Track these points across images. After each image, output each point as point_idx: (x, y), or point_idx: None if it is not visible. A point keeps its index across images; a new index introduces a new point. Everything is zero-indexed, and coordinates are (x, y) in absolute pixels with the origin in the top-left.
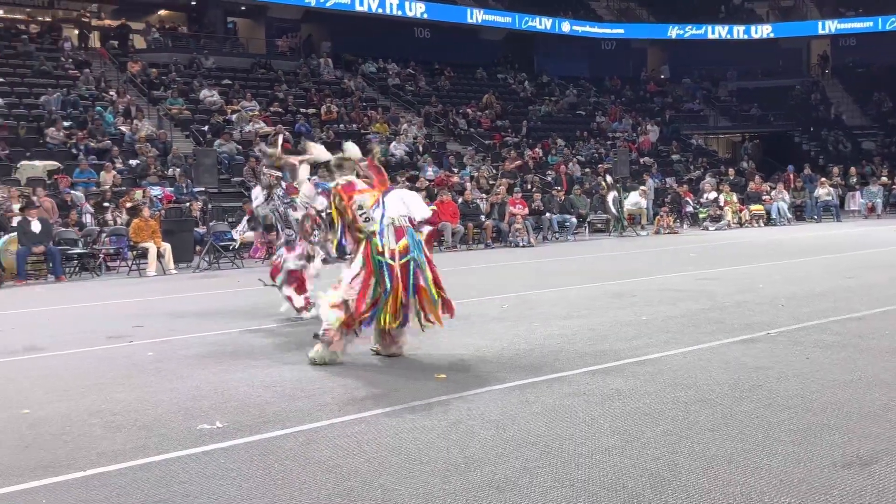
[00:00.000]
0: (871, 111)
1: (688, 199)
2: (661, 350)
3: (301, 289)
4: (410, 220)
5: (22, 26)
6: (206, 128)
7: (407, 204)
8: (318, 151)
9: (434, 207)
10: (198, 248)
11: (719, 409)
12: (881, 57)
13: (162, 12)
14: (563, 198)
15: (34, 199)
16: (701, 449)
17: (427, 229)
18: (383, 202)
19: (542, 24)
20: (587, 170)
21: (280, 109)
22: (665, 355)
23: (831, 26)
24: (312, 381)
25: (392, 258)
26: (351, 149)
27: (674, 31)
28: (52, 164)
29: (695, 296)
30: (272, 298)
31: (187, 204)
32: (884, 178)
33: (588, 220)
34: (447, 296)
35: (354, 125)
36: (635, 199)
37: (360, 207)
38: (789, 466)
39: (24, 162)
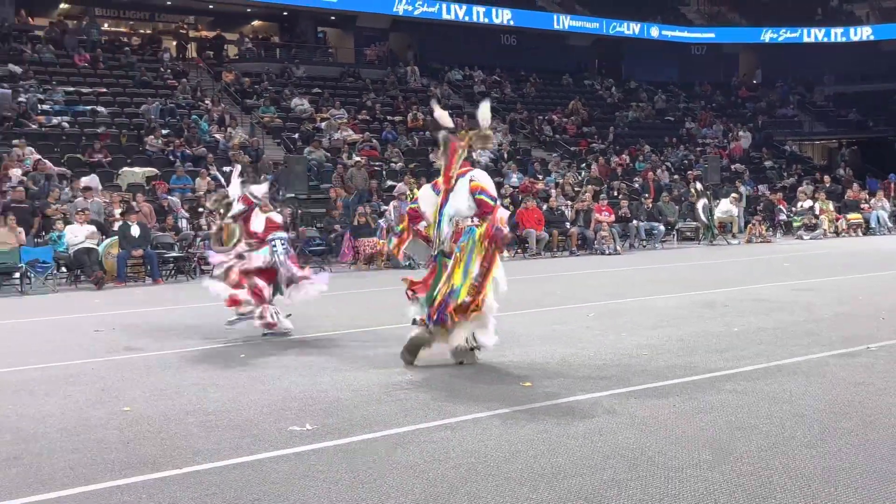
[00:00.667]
0: None
1: (781, 206)
2: (754, 363)
3: None
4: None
5: (125, 39)
6: (296, 135)
7: (459, 200)
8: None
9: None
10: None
11: (816, 425)
12: None
13: (255, 23)
14: (650, 205)
15: (134, 204)
16: (796, 466)
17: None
18: (448, 197)
19: (631, 29)
20: (676, 176)
21: (368, 117)
22: (757, 368)
23: None
24: (399, 385)
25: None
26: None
27: (767, 35)
28: (151, 170)
29: (789, 307)
30: (359, 302)
31: (276, 210)
32: None
33: (677, 227)
34: (471, 300)
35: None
36: (726, 207)
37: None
38: (890, 486)
39: (125, 168)
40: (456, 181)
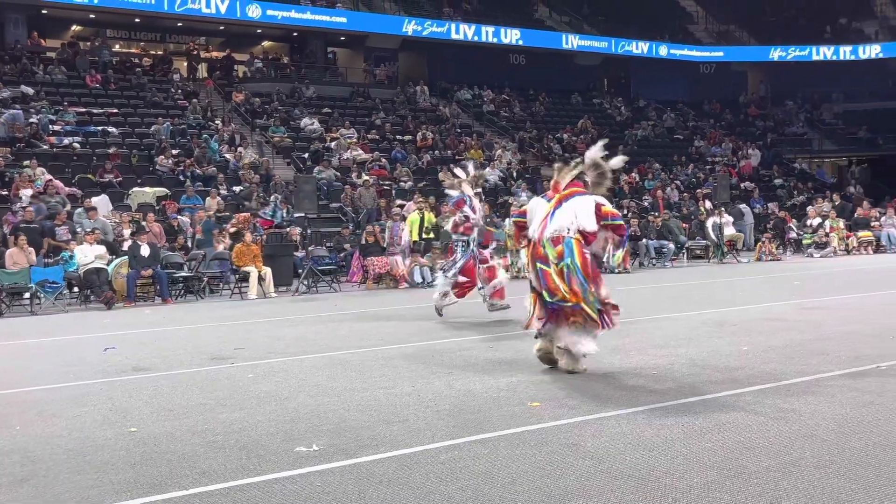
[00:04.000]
0: None
1: (791, 224)
2: (763, 382)
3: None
4: (583, 232)
5: (136, 59)
6: (306, 155)
7: (577, 215)
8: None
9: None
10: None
11: (825, 445)
12: None
13: (265, 43)
14: (659, 223)
15: (144, 224)
16: (805, 487)
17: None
18: (553, 214)
19: (639, 48)
20: (685, 195)
21: (377, 136)
22: (766, 387)
23: None
24: (406, 405)
25: (546, 263)
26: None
27: (776, 53)
28: (162, 190)
29: (798, 325)
30: (366, 322)
31: (287, 229)
32: None
33: (686, 246)
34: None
35: (449, 151)
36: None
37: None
38: None
39: (135, 189)
40: (567, 199)
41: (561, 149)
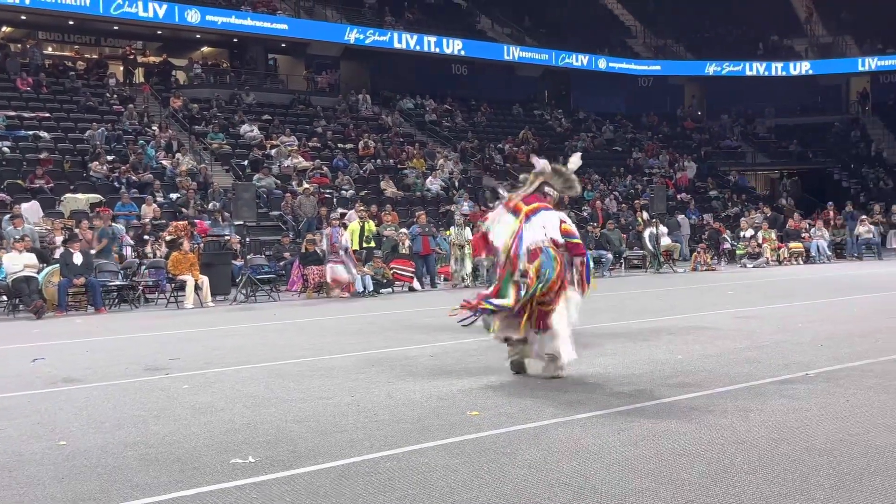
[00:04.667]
0: None
1: (725, 235)
2: (697, 390)
3: None
4: (554, 241)
5: (69, 63)
6: (245, 162)
7: (546, 228)
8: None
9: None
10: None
11: (756, 451)
12: None
13: (204, 49)
14: (598, 233)
15: (77, 231)
16: (736, 492)
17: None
18: (523, 230)
19: (579, 60)
20: (623, 205)
21: (318, 144)
22: (700, 395)
23: (871, 63)
24: (345, 415)
25: (526, 277)
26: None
27: (711, 68)
28: (95, 197)
29: (732, 334)
30: (307, 331)
31: (225, 237)
32: None
33: (624, 256)
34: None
35: (391, 160)
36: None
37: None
38: None
39: (67, 195)
40: (533, 215)
41: (502, 159)
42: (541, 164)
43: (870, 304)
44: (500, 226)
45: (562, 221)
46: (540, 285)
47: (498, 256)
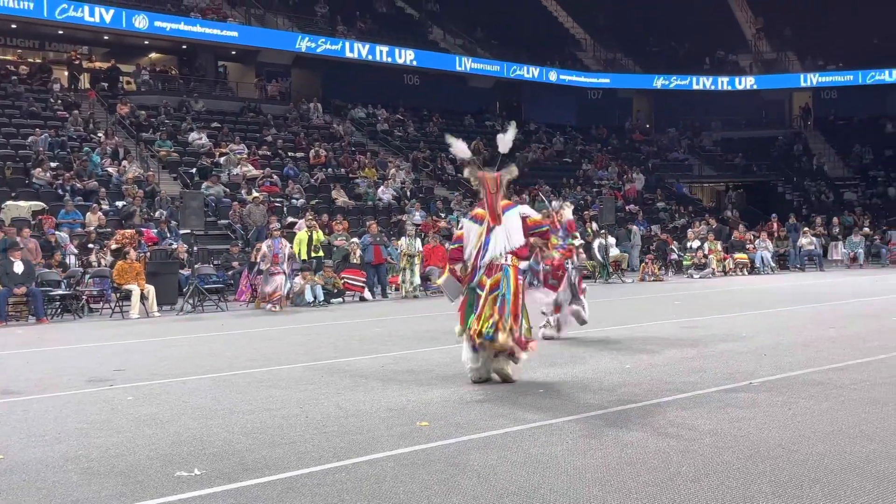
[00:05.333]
0: (852, 163)
1: (672, 246)
2: (644, 399)
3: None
4: (516, 253)
5: (12, 67)
6: (193, 170)
7: (509, 237)
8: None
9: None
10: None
11: (701, 459)
12: (861, 110)
13: (153, 55)
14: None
15: (18, 239)
16: (681, 500)
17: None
18: (487, 240)
19: (530, 72)
20: (573, 217)
21: (269, 153)
22: (647, 404)
23: (812, 79)
24: (293, 427)
25: (482, 288)
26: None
27: (659, 82)
28: (38, 204)
29: (678, 344)
30: (255, 342)
31: (172, 246)
32: (865, 229)
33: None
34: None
35: (343, 169)
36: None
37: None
38: None
39: (8, 202)
40: (497, 225)
41: (454, 169)
42: (459, 148)
43: (811, 314)
44: (472, 235)
45: (524, 217)
46: (492, 321)
47: (464, 265)
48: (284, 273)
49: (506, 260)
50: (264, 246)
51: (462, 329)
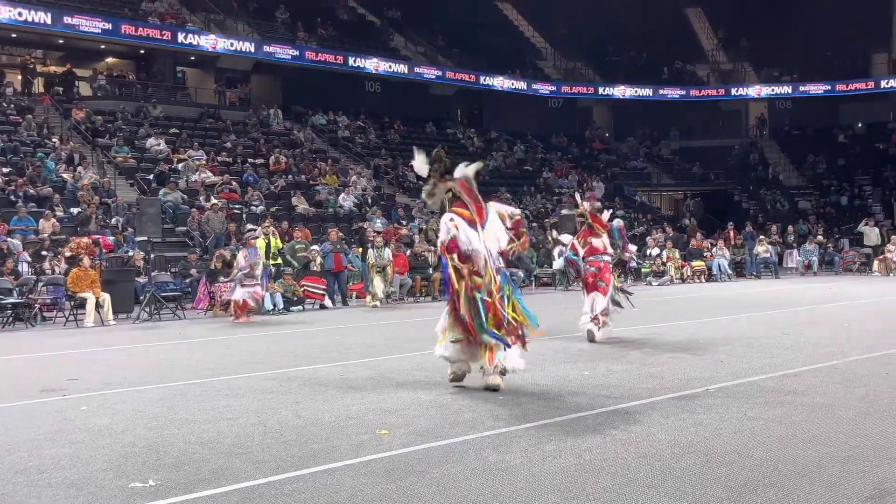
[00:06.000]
0: (806, 172)
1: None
2: (603, 405)
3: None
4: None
5: None
6: (151, 176)
7: (499, 239)
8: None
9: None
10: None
11: (658, 465)
12: (815, 120)
13: (110, 60)
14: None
15: None
16: None
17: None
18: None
19: (491, 81)
20: (534, 224)
21: (228, 159)
22: (606, 411)
23: (768, 90)
24: (251, 436)
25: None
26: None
27: (618, 91)
28: None
29: (636, 351)
30: (213, 351)
31: (129, 253)
32: (819, 237)
33: (535, 274)
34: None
35: (303, 176)
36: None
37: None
38: None
39: None
40: (485, 223)
41: (415, 177)
42: (417, 165)
43: (767, 321)
44: (470, 234)
45: (500, 215)
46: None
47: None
48: (260, 284)
49: (500, 262)
50: (241, 257)
51: (451, 329)
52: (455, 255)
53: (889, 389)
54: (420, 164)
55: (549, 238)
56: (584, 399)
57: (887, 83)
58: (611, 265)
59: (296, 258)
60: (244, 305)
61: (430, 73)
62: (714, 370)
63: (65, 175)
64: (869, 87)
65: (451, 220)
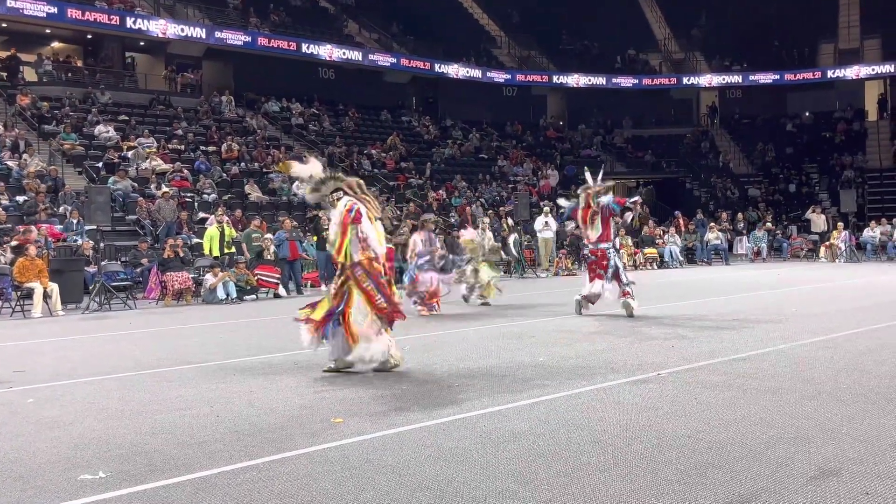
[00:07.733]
0: (756, 160)
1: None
2: (556, 391)
3: None
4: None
5: None
6: (100, 164)
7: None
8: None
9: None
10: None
11: (610, 449)
12: (764, 109)
13: (56, 44)
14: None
15: None
16: (591, 490)
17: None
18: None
19: (446, 68)
20: (490, 212)
21: (179, 147)
22: (559, 396)
23: (718, 79)
24: (203, 426)
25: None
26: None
27: (572, 80)
28: None
29: (590, 337)
30: (165, 341)
31: (77, 242)
32: (768, 224)
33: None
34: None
35: (256, 164)
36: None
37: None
38: None
39: None
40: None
41: (370, 165)
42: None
43: (717, 306)
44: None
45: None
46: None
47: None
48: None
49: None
50: (418, 240)
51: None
52: (360, 227)
53: (832, 372)
54: (315, 166)
55: (505, 226)
56: (538, 384)
57: (833, 73)
58: (609, 250)
59: (251, 247)
60: (436, 292)
61: (384, 60)
62: (665, 355)
63: (9, 163)
64: (816, 76)
65: (355, 203)
